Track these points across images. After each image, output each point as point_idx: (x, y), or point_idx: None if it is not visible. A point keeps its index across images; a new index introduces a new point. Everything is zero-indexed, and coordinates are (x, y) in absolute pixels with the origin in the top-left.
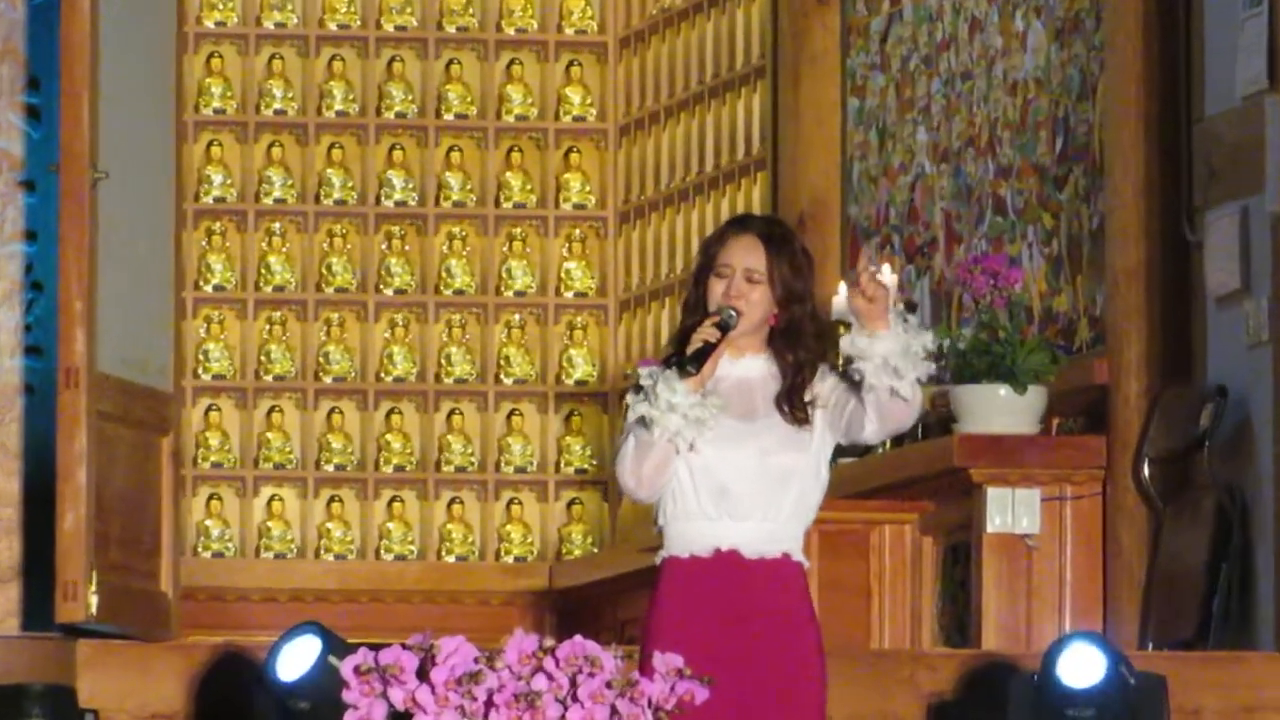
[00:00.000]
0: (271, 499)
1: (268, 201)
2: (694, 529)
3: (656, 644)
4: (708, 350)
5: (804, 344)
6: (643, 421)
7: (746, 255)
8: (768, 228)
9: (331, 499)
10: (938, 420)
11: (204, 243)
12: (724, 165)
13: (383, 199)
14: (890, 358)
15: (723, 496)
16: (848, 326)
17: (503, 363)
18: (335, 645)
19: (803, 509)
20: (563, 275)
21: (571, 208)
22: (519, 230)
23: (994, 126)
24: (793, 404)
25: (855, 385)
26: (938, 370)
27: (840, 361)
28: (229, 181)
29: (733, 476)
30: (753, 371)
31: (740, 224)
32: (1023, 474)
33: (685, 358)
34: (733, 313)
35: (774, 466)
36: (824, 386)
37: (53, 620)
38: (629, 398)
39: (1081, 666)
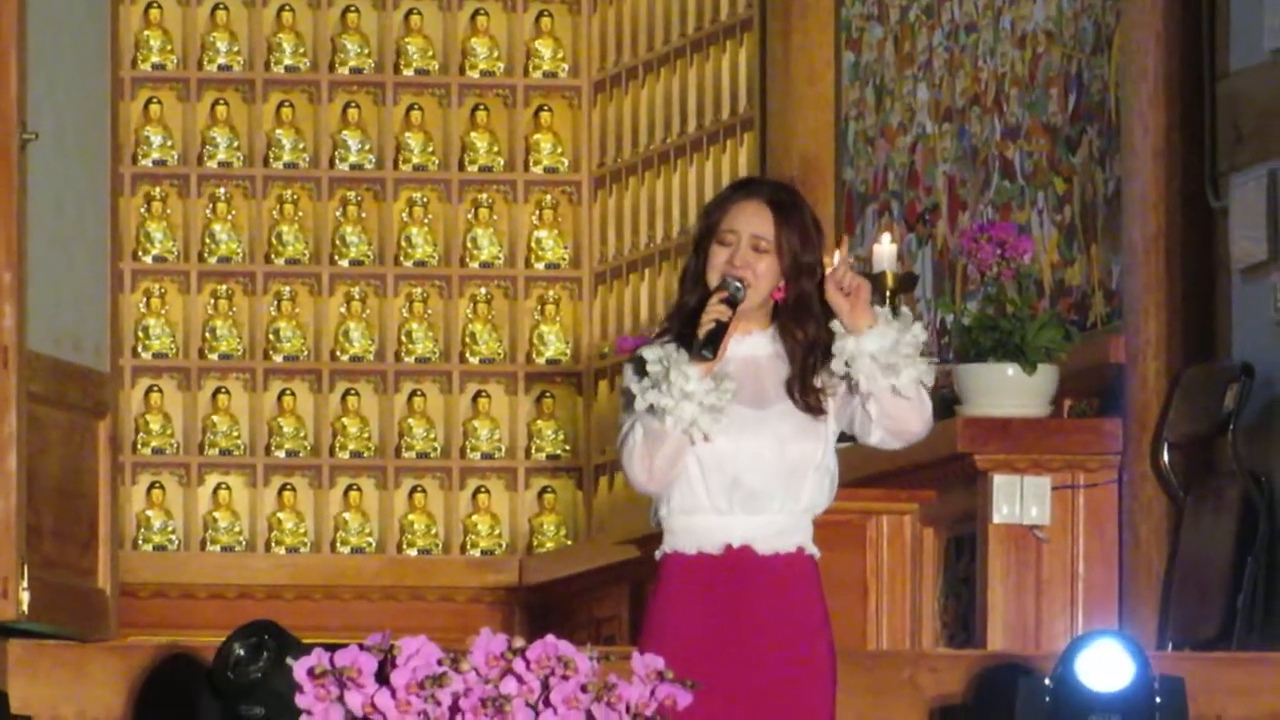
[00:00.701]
0: (218, 488)
1: (212, 165)
2: (703, 523)
3: (658, 648)
4: (721, 330)
5: (814, 321)
6: (651, 410)
7: (753, 221)
8: (776, 193)
9: (283, 488)
10: (940, 402)
11: (143, 209)
12: (708, 125)
13: (337, 162)
14: (880, 355)
15: (735, 489)
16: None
17: (468, 340)
18: (290, 645)
19: (818, 500)
20: (533, 245)
21: (542, 171)
22: (485, 196)
23: (1001, 83)
24: (805, 390)
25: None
26: (941, 348)
27: (835, 369)
28: (169, 143)
29: (748, 467)
30: (759, 350)
31: (746, 187)
32: (1032, 460)
33: (699, 341)
34: (739, 284)
35: (791, 455)
36: (832, 376)
37: None
38: (631, 383)
39: (1105, 668)
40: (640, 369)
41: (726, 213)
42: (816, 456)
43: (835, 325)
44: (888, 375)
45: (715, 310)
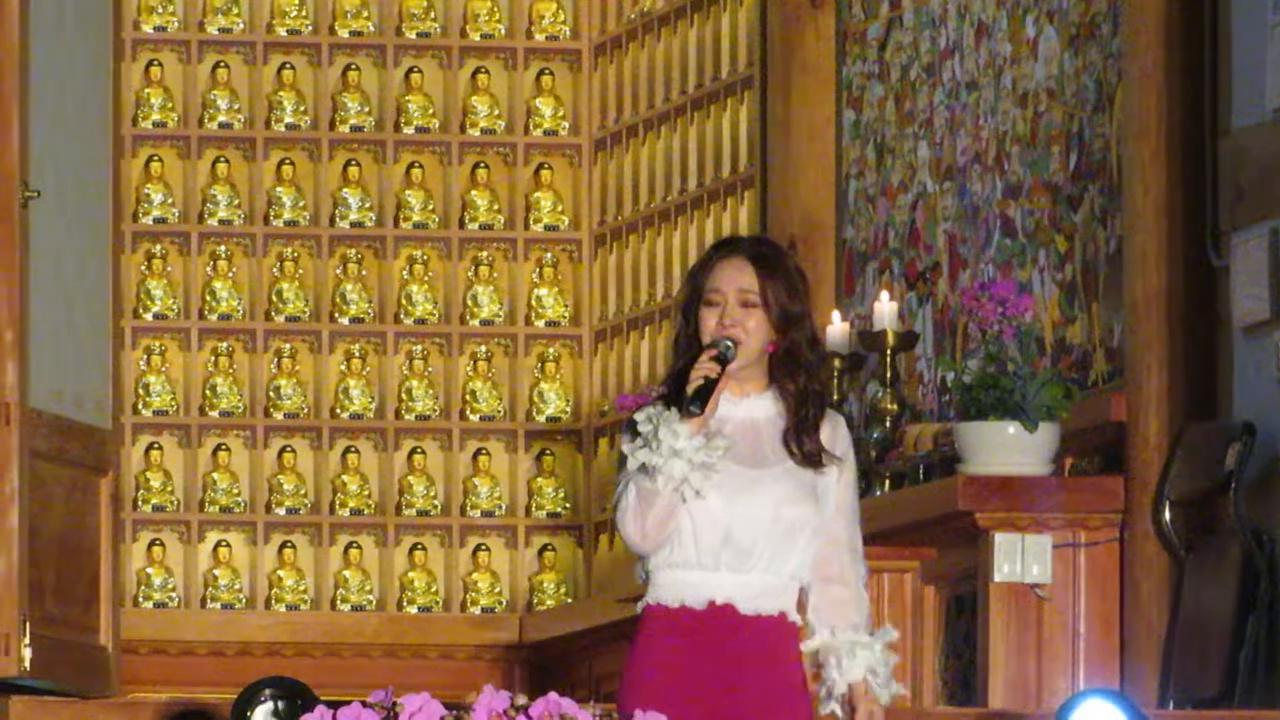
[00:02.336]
0: (218, 545)
1: (212, 222)
2: (688, 578)
3: (635, 701)
4: (710, 387)
5: (805, 370)
6: (643, 469)
7: (737, 278)
8: (756, 247)
9: (283, 545)
10: (941, 460)
11: (144, 267)
12: (708, 184)
13: (337, 220)
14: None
15: (724, 547)
16: (842, 359)
17: (468, 398)
18: (310, 703)
19: (806, 565)
20: (533, 303)
21: (542, 229)
22: (485, 254)
23: (1002, 141)
24: (801, 442)
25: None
26: (942, 406)
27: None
28: (170, 200)
29: (741, 528)
30: (758, 412)
31: (726, 246)
32: (1033, 519)
33: (688, 397)
34: (729, 343)
35: (786, 519)
36: (841, 444)
37: None
38: (624, 444)
39: None
40: (633, 431)
41: (710, 274)
42: (810, 521)
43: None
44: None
45: (704, 367)
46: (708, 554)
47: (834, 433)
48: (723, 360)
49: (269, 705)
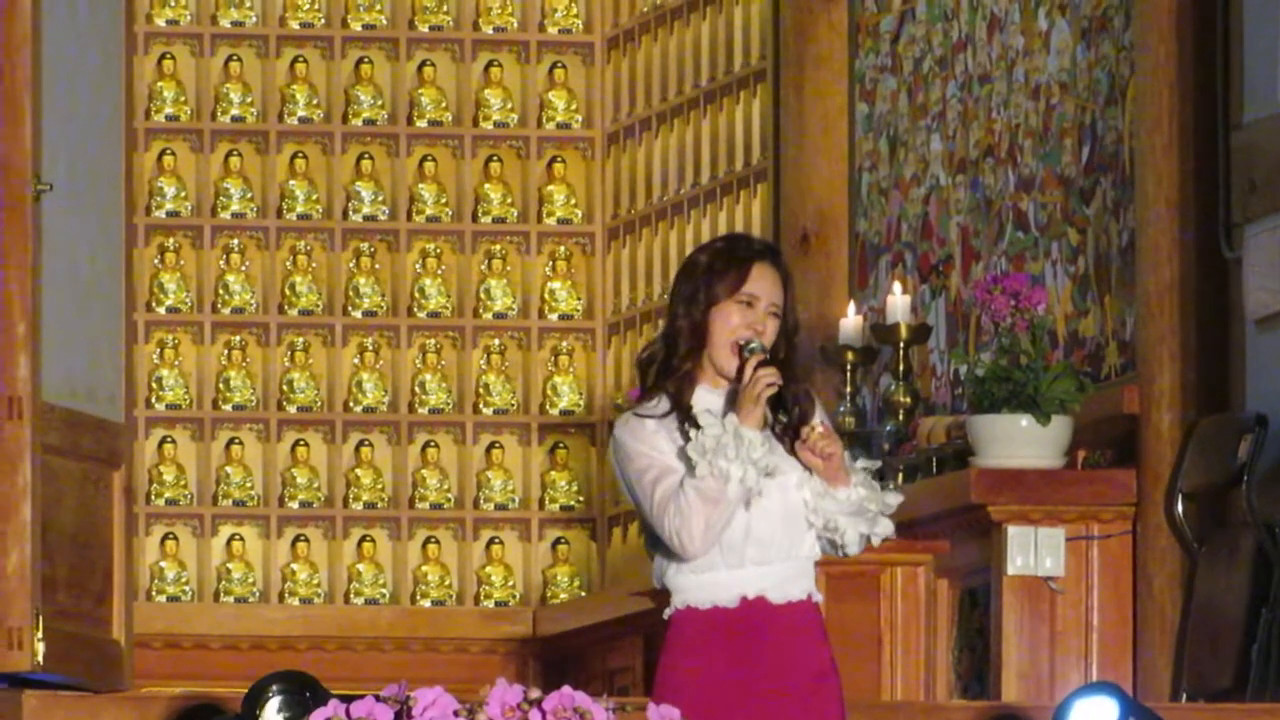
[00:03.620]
0: (231, 539)
1: (225, 216)
2: (716, 579)
3: (675, 700)
4: (781, 394)
5: (797, 376)
6: (692, 472)
7: (772, 290)
8: (780, 259)
9: (296, 539)
10: (954, 453)
11: (156, 261)
12: (721, 176)
13: (350, 213)
14: (856, 510)
15: (745, 542)
16: (855, 352)
17: (482, 391)
18: (321, 696)
19: (814, 543)
20: (546, 296)
21: (555, 223)
22: (498, 247)
23: (1015, 134)
24: (798, 437)
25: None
26: (955, 399)
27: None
28: (183, 194)
29: (760, 521)
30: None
31: (762, 253)
32: (1046, 511)
33: (776, 412)
34: (759, 346)
35: (795, 504)
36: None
37: None
38: (692, 449)
39: None
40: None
41: (749, 277)
42: (811, 501)
43: (814, 482)
44: (860, 526)
45: (768, 376)
46: (731, 552)
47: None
48: (768, 363)
49: (279, 699)
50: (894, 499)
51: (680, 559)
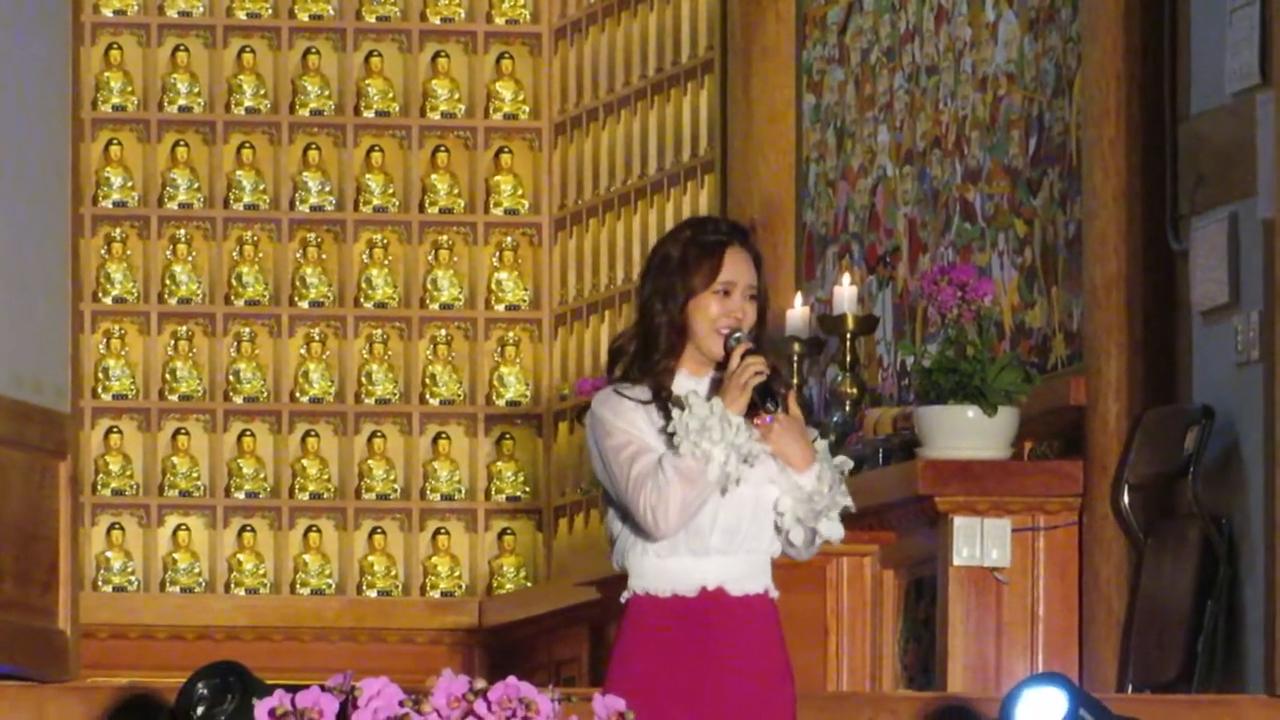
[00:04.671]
0: (177, 529)
1: (172, 206)
2: (678, 565)
3: (627, 690)
4: (769, 383)
5: (766, 352)
6: (675, 454)
7: (747, 273)
8: (747, 238)
9: (242, 529)
10: (901, 444)
11: (103, 251)
12: (669, 167)
13: (297, 203)
14: (816, 497)
15: (712, 531)
16: (802, 343)
17: (428, 381)
18: (253, 687)
19: (777, 539)
20: (493, 287)
21: (502, 213)
22: (445, 238)
23: (962, 125)
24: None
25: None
26: (902, 390)
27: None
28: (130, 184)
29: (729, 511)
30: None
31: (731, 237)
32: (992, 502)
33: (763, 401)
34: (741, 334)
35: (764, 497)
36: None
37: None
38: (676, 432)
39: (1042, 713)
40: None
41: (722, 264)
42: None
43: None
44: (813, 520)
45: (756, 364)
46: (696, 539)
47: None
48: (755, 351)
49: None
50: (844, 499)
51: (646, 539)
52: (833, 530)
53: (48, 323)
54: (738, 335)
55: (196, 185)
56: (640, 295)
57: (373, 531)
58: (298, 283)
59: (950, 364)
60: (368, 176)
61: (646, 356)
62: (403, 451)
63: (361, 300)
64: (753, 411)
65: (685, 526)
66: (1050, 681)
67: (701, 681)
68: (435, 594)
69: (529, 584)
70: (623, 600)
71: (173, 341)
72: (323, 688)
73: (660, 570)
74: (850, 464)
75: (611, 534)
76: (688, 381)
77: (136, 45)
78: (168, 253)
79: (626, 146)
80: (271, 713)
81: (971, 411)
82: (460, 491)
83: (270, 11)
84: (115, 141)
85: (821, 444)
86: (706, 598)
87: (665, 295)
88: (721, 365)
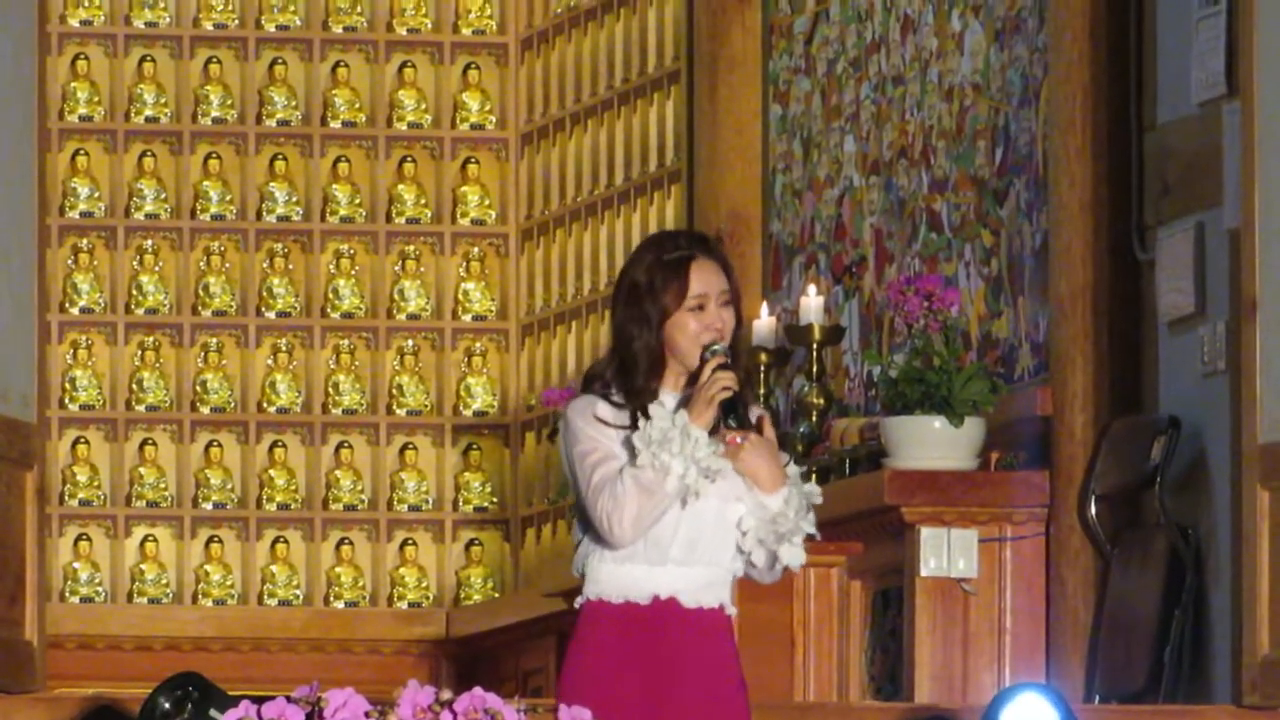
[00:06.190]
0: (145, 540)
1: (139, 216)
2: (634, 573)
3: (576, 698)
4: (735, 398)
5: (740, 361)
6: (635, 464)
7: (716, 280)
8: (710, 246)
9: (210, 540)
10: (867, 455)
11: (70, 261)
12: (635, 178)
13: (264, 214)
14: (780, 520)
15: (672, 542)
16: (768, 354)
17: (395, 392)
18: (215, 697)
19: (739, 558)
20: (460, 297)
21: (469, 223)
22: (412, 248)
23: (928, 135)
24: (742, 425)
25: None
26: (868, 400)
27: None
28: (97, 194)
29: (691, 523)
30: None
31: (691, 250)
32: (959, 513)
33: (730, 416)
34: (720, 348)
35: (728, 513)
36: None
37: None
38: (638, 439)
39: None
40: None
41: (690, 280)
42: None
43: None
44: (774, 543)
45: (724, 379)
46: (655, 548)
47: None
48: (727, 365)
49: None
50: (808, 526)
51: (605, 546)
52: (794, 556)
53: (14, 333)
54: (714, 348)
55: (163, 196)
56: (614, 322)
57: (340, 542)
58: (265, 293)
59: (917, 374)
60: (334, 187)
61: (629, 382)
62: (370, 462)
63: (328, 310)
64: (741, 428)
65: (644, 536)
66: (1034, 689)
67: (650, 689)
68: (402, 605)
69: (496, 595)
70: (577, 605)
71: (139, 352)
72: (288, 699)
73: (616, 577)
74: (820, 498)
75: (575, 539)
76: (671, 399)
77: (103, 55)
78: (135, 263)
79: (593, 157)
80: None
81: (938, 422)
82: (427, 502)
83: (237, 22)
84: (82, 152)
85: (794, 470)
86: (659, 606)
87: (640, 322)
88: (695, 378)
